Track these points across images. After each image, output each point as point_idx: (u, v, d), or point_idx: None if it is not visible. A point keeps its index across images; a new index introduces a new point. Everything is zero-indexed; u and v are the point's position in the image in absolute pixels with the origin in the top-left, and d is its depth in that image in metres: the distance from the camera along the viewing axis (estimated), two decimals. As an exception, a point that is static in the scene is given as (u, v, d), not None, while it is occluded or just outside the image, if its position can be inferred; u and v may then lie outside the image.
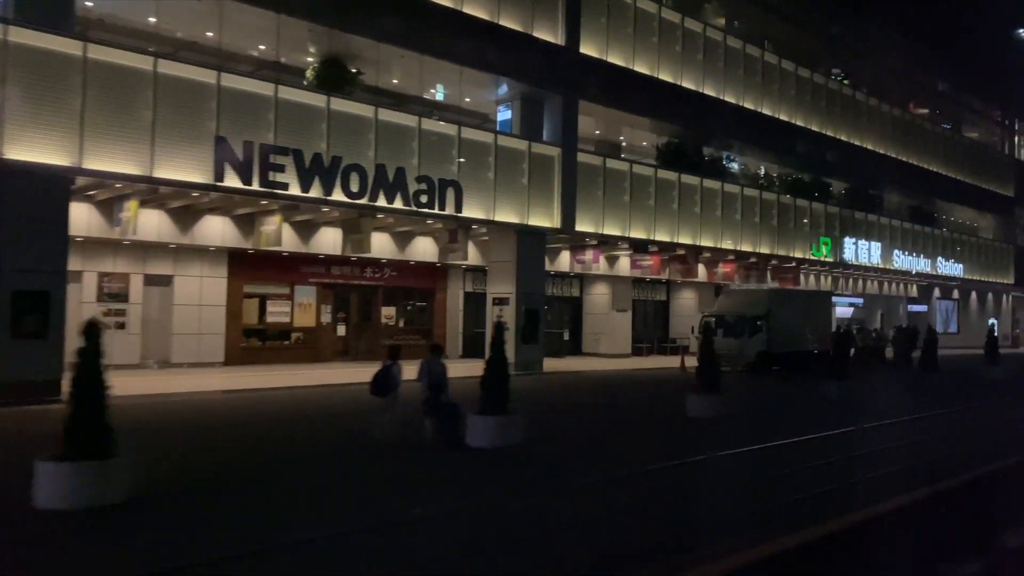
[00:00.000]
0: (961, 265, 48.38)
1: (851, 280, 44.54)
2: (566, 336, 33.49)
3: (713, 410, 15.39)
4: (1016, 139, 58.99)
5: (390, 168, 20.87)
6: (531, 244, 25.21)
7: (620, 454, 11.97)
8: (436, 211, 22.00)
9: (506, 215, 24.04)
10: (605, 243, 28.29)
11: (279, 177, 18.81)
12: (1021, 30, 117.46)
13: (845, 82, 41.57)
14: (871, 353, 32.34)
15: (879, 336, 33.30)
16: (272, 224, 20.32)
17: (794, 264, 36.18)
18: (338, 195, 19.85)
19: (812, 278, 41.35)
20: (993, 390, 22.49)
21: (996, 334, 28.75)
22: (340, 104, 20.15)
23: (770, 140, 35.19)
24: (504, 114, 25.64)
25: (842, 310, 49.78)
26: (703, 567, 6.37)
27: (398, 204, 21.06)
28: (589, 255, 28.41)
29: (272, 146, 18.71)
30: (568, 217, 25.67)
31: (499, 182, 23.81)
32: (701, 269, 34.03)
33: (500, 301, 25.28)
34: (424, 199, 21.60)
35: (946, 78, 51.85)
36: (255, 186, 18.46)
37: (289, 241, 22.65)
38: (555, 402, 18.88)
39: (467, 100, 26.23)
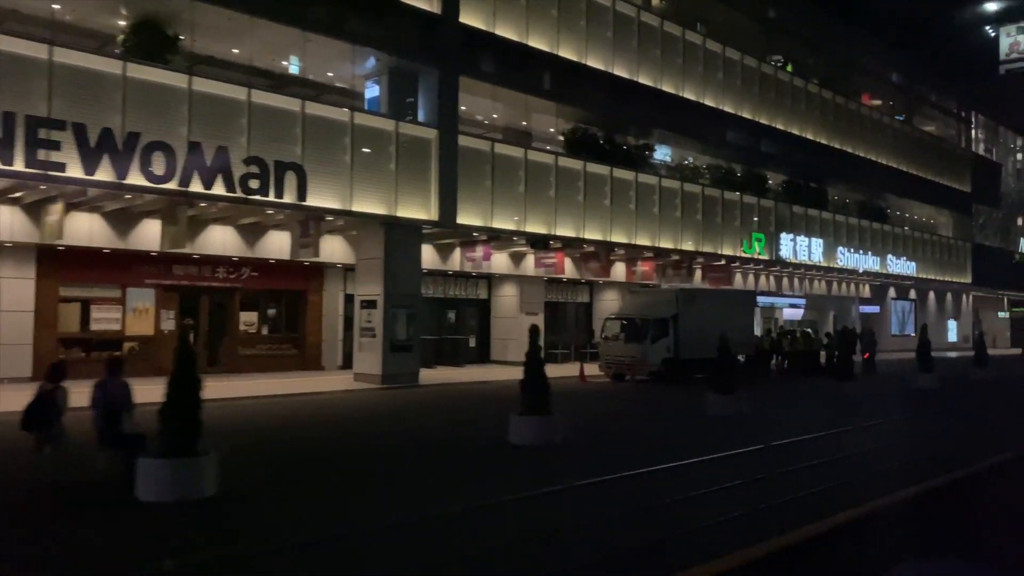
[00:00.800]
0: (914, 264, 45.90)
1: (796, 280, 41.89)
2: (472, 342, 30.52)
3: (538, 436, 12.43)
4: (973, 133, 56.76)
5: (208, 147, 17.80)
6: (403, 239, 22.20)
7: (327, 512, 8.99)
8: (272, 199, 18.93)
9: (368, 205, 21.03)
10: (497, 239, 25.32)
11: (54, 156, 15.70)
12: (988, 27, 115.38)
13: (785, 68, 38.96)
14: (803, 359, 29.59)
15: (810, 339, 30.53)
16: (54, 214, 17.18)
17: (724, 262, 33.40)
18: (136, 178, 16.75)
19: (751, 277, 38.64)
20: (912, 402, 19.77)
21: (929, 338, 26.30)
22: (141, 71, 17.07)
23: (694, 128, 32.42)
24: (372, 91, 22.64)
25: (790, 312, 47.29)
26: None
27: (219, 190, 17.98)
28: (479, 252, 25.44)
29: (44, 119, 15.59)
30: (447, 208, 22.69)
31: (359, 167, 20.79)
32: (621, 267, 31.22)
33: (368, 303, 22.26)
34: (255, 184, 18.54)
35: (900, 69, 49.47)
36: (18, 166, 15.33)
37: (102, 235, 19.54)
38: (373, 427, 15.83)
39: (330, 75, 23.23)
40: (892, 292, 50.90)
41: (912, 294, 53.22)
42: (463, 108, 25.97)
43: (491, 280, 30.65)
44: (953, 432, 13.76)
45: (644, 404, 20.05)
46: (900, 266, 44.64)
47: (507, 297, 30.33)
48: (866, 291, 48.27)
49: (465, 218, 23.33)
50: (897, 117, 48.12)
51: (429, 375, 24.26)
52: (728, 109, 33.65)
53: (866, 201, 43.84)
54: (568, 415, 13.43)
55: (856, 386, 23.55)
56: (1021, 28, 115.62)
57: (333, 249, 23.88)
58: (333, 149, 20.32)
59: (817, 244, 37.87)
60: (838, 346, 27.86)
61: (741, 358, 26.10)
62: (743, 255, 33.63)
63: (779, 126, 36.53)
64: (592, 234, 27.31)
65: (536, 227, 25.41)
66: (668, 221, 30.32)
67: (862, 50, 45.27)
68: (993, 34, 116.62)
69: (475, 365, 28.98)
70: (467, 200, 23.37)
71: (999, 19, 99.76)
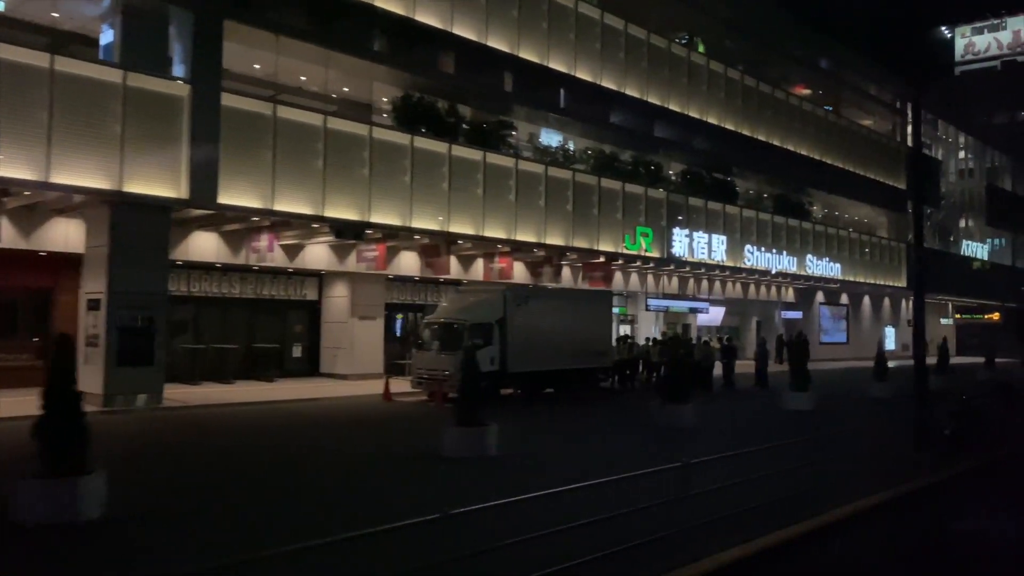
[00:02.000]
0: (839, 265, 42.02)
1: (704, 282, 37.79)
2: (298, 352, 25.94)
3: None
4: (910, 128, 53.22)
5: None
6: (140, 222, 17.60)
7: None
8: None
9: (80, 176, 16.41)
10: (287, 225, 20.78)
11: None
12: (944, 27, 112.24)
13: (694, 47, 34.92)
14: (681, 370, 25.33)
15: (690, 349, 26.19)
16: None
17: (603, 259, 29.13)
18: None
19: (647, 278, 34.45)
20: (758, 430, 15.56)
21: (769, 347, 22.88)
22: None
23: (569, 105, 28.21)
24: (107, 36, 18.04)
25: (706, 319, 43.34)
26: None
27: None
28: (264, 241, 20.85)
29: None
30: (204, 184, 18.13)
31: (64, 127, 16.18)
32: (479, 264, 26.85)
33: (93, 304, 17.64)
34: None
35: (830, 57, 45.68)
36: None
37: None
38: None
39: (55, 15, 18.62)
40: (820, 296, 47.09)
41: (844, 299, 49.48)
42: (257, 66, 21.60)
43: (322, 278, 26.10)
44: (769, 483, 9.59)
45: (385, 436, 15.56)
46: (822, 267, 40.74)
47: (338, 298, 25.79)
48: (790, 295, 44.38)
49: (233, 197, 18.78)
50: (826, 107, 44.36)
51: (191, 395, 19.74)
52: (609, 85, 29.45)
53: (785, 196, 39.88)
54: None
55: (708, 407, 19.47)
56: (976, 29, 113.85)
57: (68, 235, 19.23)
58: (20, 103, 15.70)
59: (719, 241, 33.76)
60: (702, 358, 23.85)
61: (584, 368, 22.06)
62: (626, 252, 29.38)
63: (674, 107, 32.41)
64: (424, 223, 22.88)
65: (343, 212, 20.91)
66: (529, 211, 25.99)
67: (788, 35, 41.45)
68: (949, 35, 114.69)
69: (301, 380, 24.41)
70: (237, 175, 18.84)
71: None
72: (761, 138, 37.35)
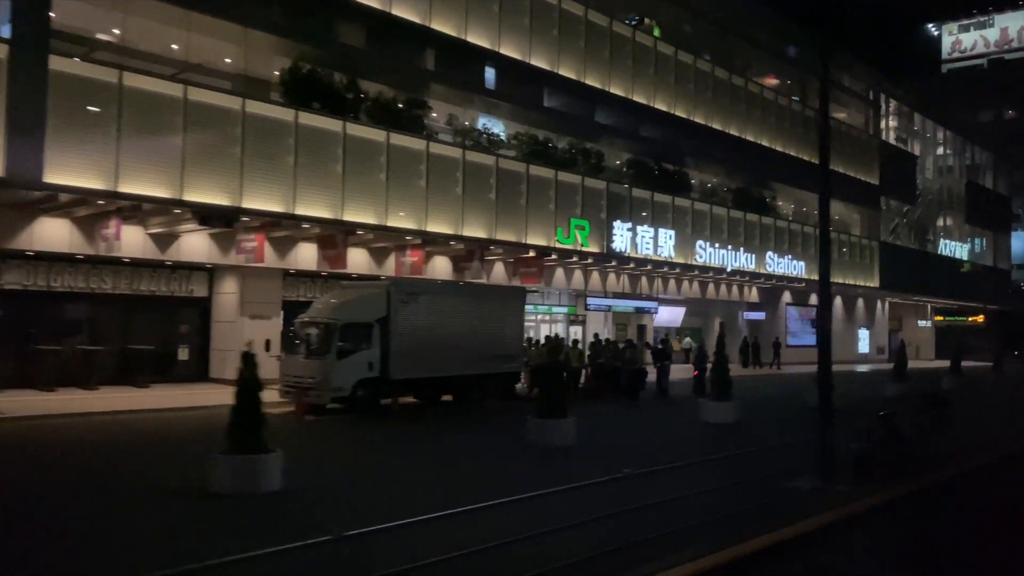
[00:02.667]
0: (803, 263, 39.65)
1: (659, 280, 35.41)
2: (184, 354, 23.42)
3: None
4: (887, 121, 50.94)
5: None
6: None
7: None
8: None
9: None
10: (137, 210, 18.26)
11: None
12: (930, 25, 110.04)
13: (645, 29, 32.56)
14: (607, 375, 22.95)
15: (618, 353, 23.66)
16: None
17: (533, 254, 26.69)
18: None
19: (599, 275, 32.04)
20: (667, 449, 13.12)
21: (706, 351, 20.52)
22: None
23: (488, 83, 25.82)
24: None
25: (665, 319, 40.99)
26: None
27: None
28: (112, 227, 18.31)
29: None
30: (26, 160, 15.65)
31: None
32: (392, 259, 24.40)
33: None
34: None
35: (799, 45, 43.31)
36: None
37: None
38: None
39: None
40: (787, 297, 44.74)
41: (813, 299, 47.10)
42: (117, 32, 19.11)
43: (213, 273, 23.58)
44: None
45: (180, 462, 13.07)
46: (785, 266, 38.36)
47: (228, 295, 23.27)
48: (753, 295, 42.02)
49: (65, 176, 16.29)
50: (793, 98, 42.00)
51: (33, 403, 17.26)
52: (541, 64, 27.05)
53: (745, 189, 37.51)
54: None
55: (606, 420, 17.10)
56: (963, 27, 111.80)
57: None
58: None
59: (667, 236, 31.34)
60: (628, 361, 21.47)
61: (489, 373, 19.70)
62: (559, 246, 26.95)
63: (617, 91, 30.01)
64: (313, 210, 20.41)
65: (208, 195, 18.43)
66: (444, 199, 23.55)
67: (754, 22, 39.17)
68: (936, 32, 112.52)
69: (180, 385, 21.89)
70: (72, 151, 16.36)
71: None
72: (717, 127, 34.98)
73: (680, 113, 32.94)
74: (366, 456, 13.00)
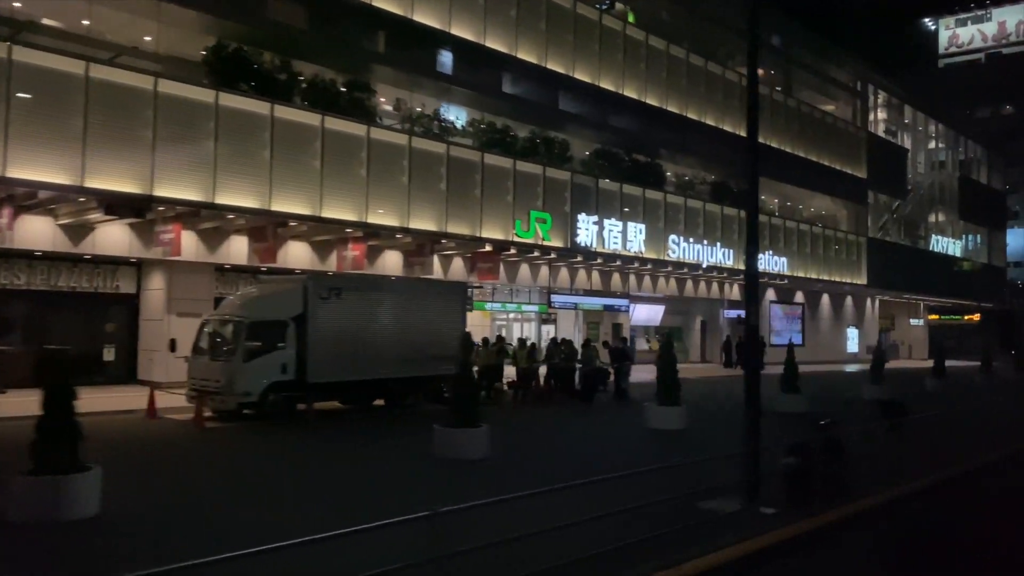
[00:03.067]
0: (784, 259, 38.13)
1: (633, 277, 33.91)
2: (110, 355, 21.92)
3: None
4: (875, 113, 49.38)
5: None
6: None
7: None
8: None
9: None
10: (33, 197, 16.78)
11: None
12: (927, 19, 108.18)
13: (615, 12, 31.06)
14: (559, 379, 21.47)
15: (572, 353, 22.09)
16: None
17: (489, 248, 25.20)
18: None
19: (567, 272, 30.53)
20: (596, 460, 11.65)
21: (628, 352, 19.01)
22: None
23: (440, 67, 24.35)
24: None
25: (642, 317, 39.55)
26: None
27: None
28: (4, 217, 16.79)
29: None
30: None
31: None
32: (336, 253, 22.93)
33: None
34: None
35: (782, 34, 41.79)
36: None
37: None
38: None
39: None
40: (771, 294, 43.20)
41: (799, 297, 45.61)
42: (17, 5, 17.64)
43: (140, 268, 22.09)
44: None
45: None
46: (766, 262, 36.79)
47: (155, 291, 21.77)
48: (735, 292, 40.49)
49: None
50: (777, 88, 40.44)
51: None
52: (499, 47, 25.58)
53: (723, 182, 35.99)
54: None
55: (538, 427, 15.62)
56: (960, 21, 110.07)
57: None
58: None
59: (637, 230, 29.83)
60: (586, 360, 20.02)
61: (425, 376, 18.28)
62: (517, 240, 25.46)
63: (583, 77, 28.51)
64: (238, 199, 18.94)
65: (115, 183, 16.95)
66: (389, 190, 22.08)
67: (733, 8, 37.61)
68: (933, 27, 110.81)
69: (104, 388, 20.35)
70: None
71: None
72: (692, 117, 33.49)
73: (652, 101, 31.45)
74: (241, 472, 11.50)
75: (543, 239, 26.08)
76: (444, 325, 18.56)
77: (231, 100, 18.88)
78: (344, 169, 21.01)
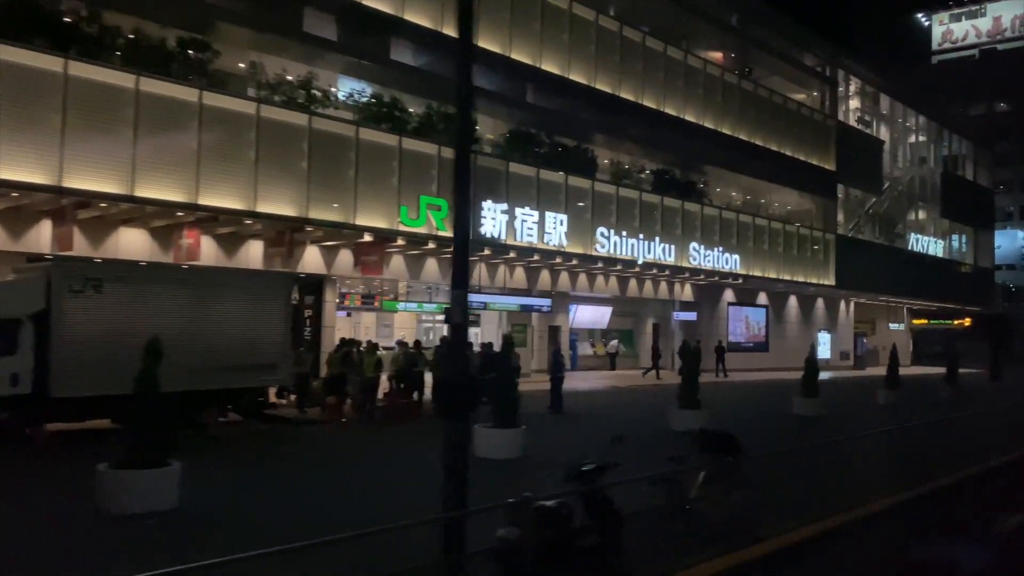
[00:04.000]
0: (737, 256, 34.75)
1: (565, 273, 30.60)
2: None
3: None
4: (847, 103, 45.96)
5: None
6: None
7: None
8: None
9: None
10: None
11: None
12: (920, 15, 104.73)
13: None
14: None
15: (410, 360, 18.48)
16: None
17: (369, 238, 21.87)
18: None
19: (485, 267, 27.14)
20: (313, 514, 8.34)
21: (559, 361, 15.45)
22: None
23: (307, 27, 21.06)
24: None
25: (586, 319, 36.33)
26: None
27: None
28: None
29: None
30: None
31: None
32: (137, 237, 19.62)
33: None
34: None
35: (743, 13, 38.43)
36: None
37: None
38: None
39: None
40: (730, 295, 39.83)
41: (762, 299, 42.24)
42: None
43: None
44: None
45: None
46: (714, 259, 33.43)
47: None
48: (687, 292, 37.15)
49: None
50: (729, 70, 37.05)
51: None
52: (381, 7, 22.29)
53: (668, 171, 32.64)
54: None
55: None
56: (955, 16, 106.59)
57: None
58: None
59: (558, 221, 26.48)
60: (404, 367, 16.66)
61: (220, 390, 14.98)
62: (404, 229, 22.12)
63: (492, 47, 25.20)
64: (20, 173, 15.65)
65: None
66: (231, 167, 18.77)
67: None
68: (926, 23, 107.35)
69: None
70: None
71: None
72: (628, 98, 30.15)
73: (578, 78, 28.10)
74: None
75: (437, 229, 22.75)
76: (259, 326, 15.24)
77: (7, 53, 15.58)
78: (168, 141, 17.69)
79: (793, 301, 44.56)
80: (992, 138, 79.43)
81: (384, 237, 22.15)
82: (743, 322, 41.30)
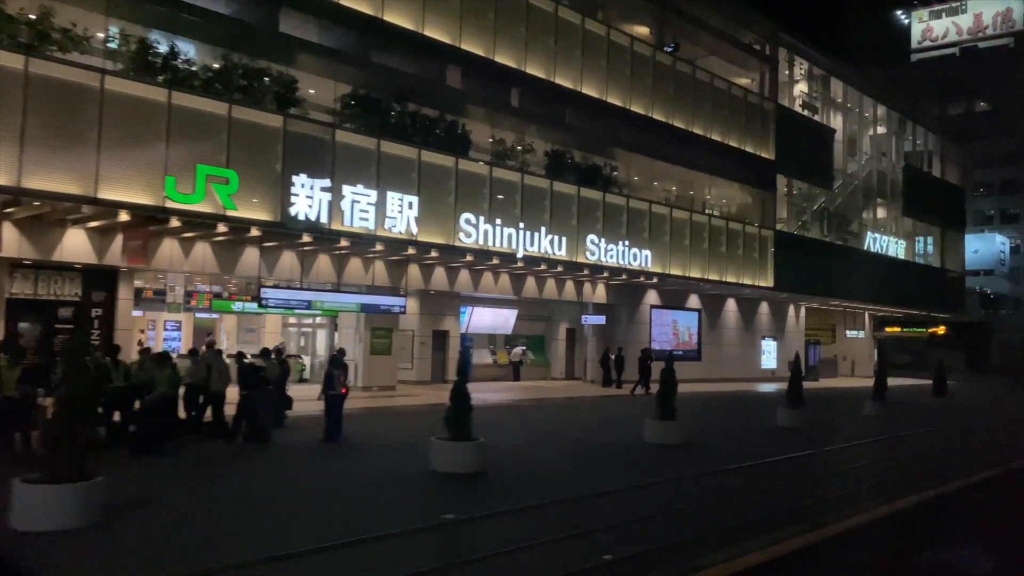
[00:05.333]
0: (648, 252, 30.38)
1: (442, 268, 26.27)
2: None
3: None
4: (791, 88, 41.66)
5: None
6: None
7: None
8: None
9: None
10: None
11: None
12: (899, 12, 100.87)
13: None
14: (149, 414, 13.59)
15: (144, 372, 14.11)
16: None
17: (125, 216, 17.39)
18: None
19: (362, 261, 22.79)
20: None
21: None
22: None
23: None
24: None
25: (487, 320, 32.18)
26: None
27: None
28: None
29: None
30: None
31: None
32: None
33: None
34: None
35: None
36: None
37: None
38: None
39: None
40: (653, 297, 35.51)
41: (694, 301, 37.92)
42: None
43: None
44: None
45: None
46: (617, 254, 29.02)
47: None
48: (600, 293, 32.85)
49: None
50: (663, 48, 32.79)
51: None
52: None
53: (561, 152, 28.30)
54: None
55: None
56: (935, 13, 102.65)
57: None
58: None
59: (404, 204, 22.07)
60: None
61: None
62: (177, 206, 17.68)
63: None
64: None
65: None
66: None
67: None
68: (905, 20, 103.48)
69: None
70: None
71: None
72: (509, 64, 25.83)
73: (438, 35, 23.73)
74: None
75: (225, 207, 18.34)
76: None
77: None
78: None
79: (732, 305, 40.29)
80: (970, 138, 75.65)
81: (152, 217, 17.74)
82: (670, 327, 36.95)
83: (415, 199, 22.29)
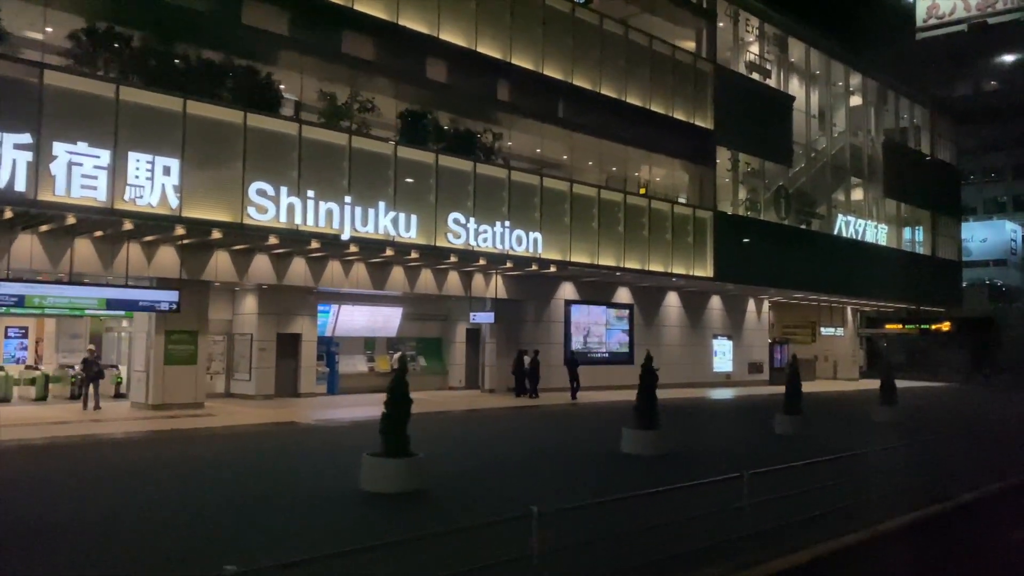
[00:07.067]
0: (538, 235, 25.14)
1: (273, 257, 21.29)
2: None
3: None
4: (747, 53, 36.10)
5: None
6: None
7: None
8: None
9: None
10: None
11: None
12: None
13: None
14: None
15: None
16: None
17: None
18: None
19: (90, 249, 17.86)
20: None
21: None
22: None
23: None
24: None
25: (363, 321, 27.35)
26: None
27: None
28: None
29: None
30: None
31: None
32: None
33: None
34: None
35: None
36: None
37: None
38: None
39: None
40: (569, 290, 30.26)
41: (624, 295, 32.61)
42: None
43: None
44: None
45: None
46: (494, 237, 23.82)
47: None
48: (498, 287, 27.68)
49: None
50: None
51: None
52: None
53: (419, 114, 23.16)
54: None
55: None
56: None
57: None
58: None
59: (154, 168, 17.04)
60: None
61: None
62: None
63: None
64: None
65: None
66: None
67: None
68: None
69: None
70: None
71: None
72: (358, 8, 20.79)
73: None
74: None
75: None
76: None
77: None
78: None
79: (674, 299, 34.92)
80: (981, 120, 69.69)
81: None
82: (595, 326, 31.64)
83: (174, 163, 17.27)
